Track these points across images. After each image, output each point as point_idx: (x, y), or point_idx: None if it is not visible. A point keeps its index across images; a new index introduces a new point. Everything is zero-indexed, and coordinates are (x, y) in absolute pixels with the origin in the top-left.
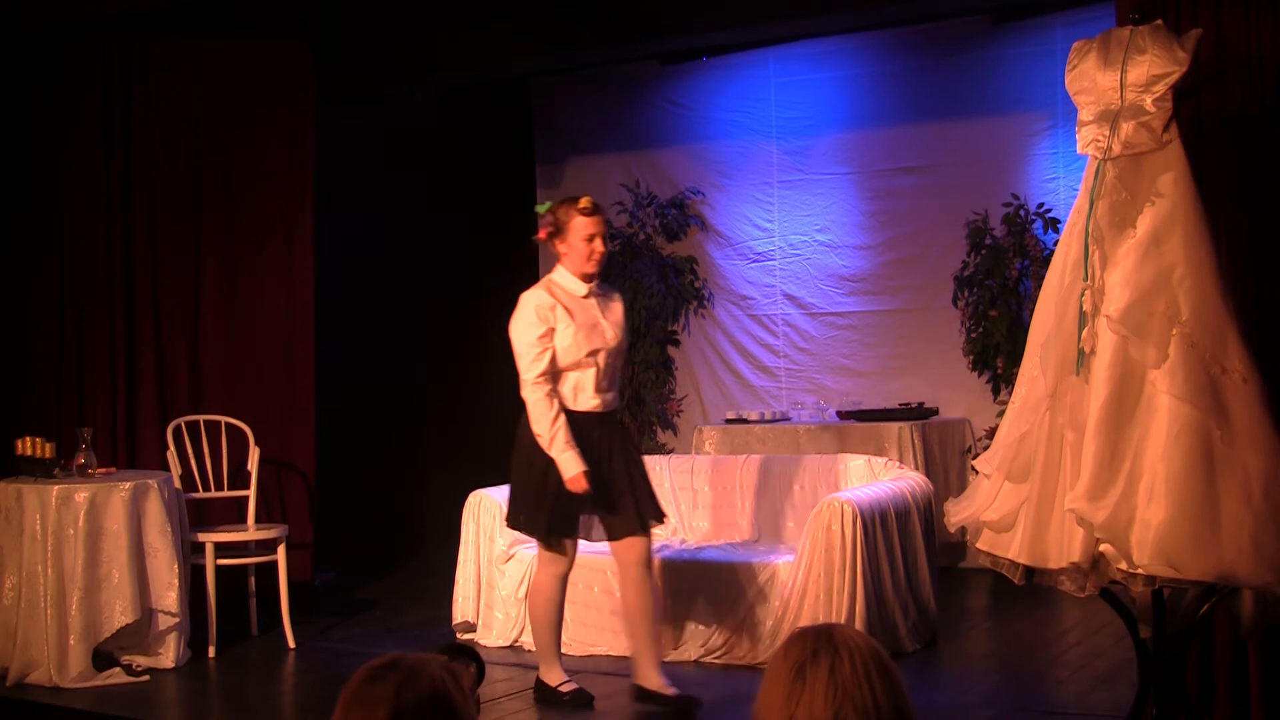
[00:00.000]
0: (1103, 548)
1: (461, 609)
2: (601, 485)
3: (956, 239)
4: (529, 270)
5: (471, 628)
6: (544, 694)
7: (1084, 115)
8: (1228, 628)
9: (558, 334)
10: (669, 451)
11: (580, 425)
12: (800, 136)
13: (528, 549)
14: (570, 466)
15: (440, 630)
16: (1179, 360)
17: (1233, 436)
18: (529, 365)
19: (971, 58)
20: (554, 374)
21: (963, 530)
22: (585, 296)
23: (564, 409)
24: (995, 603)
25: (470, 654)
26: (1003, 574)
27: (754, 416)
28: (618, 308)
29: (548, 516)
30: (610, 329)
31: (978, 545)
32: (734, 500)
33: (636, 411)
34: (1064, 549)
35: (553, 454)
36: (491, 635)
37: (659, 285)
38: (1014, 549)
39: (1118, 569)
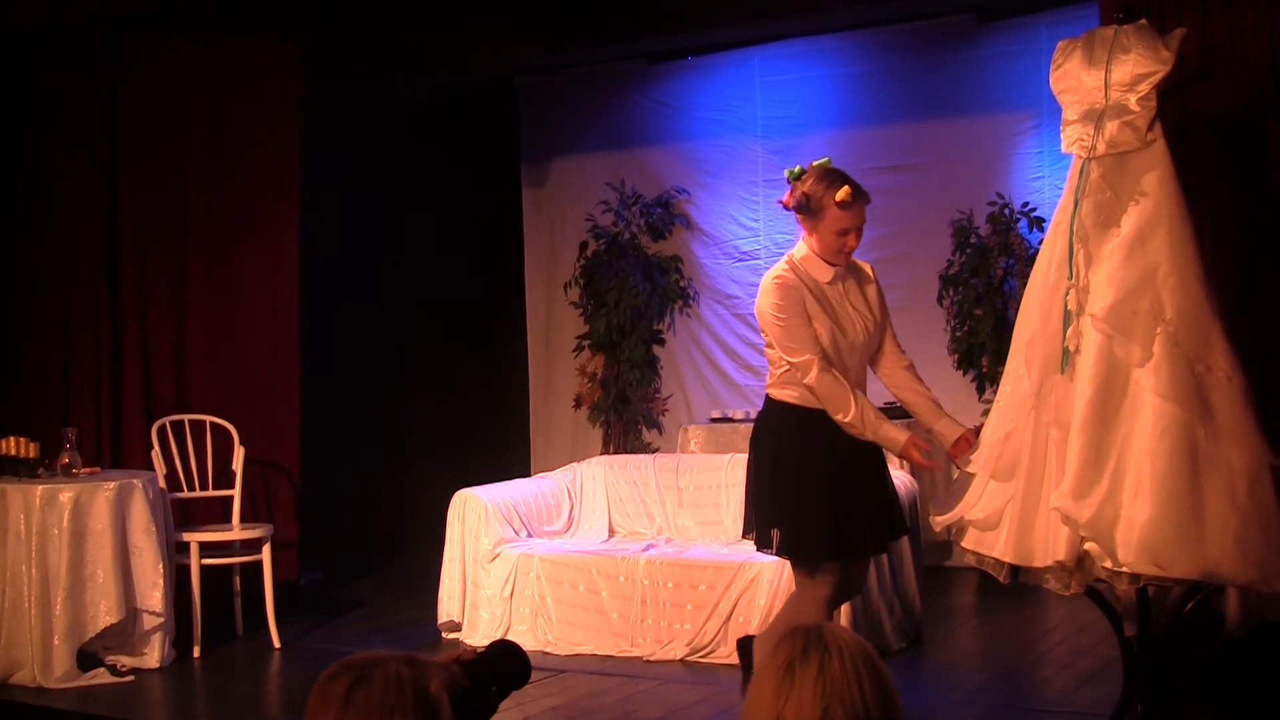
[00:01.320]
0: (1088, 546)
1: (447, 608)
2: (859, 493)
3: (941, 238)
4: (515, 269)
5: (457, 627)
6: None
7: (1069, 114)
8: (1213, 626)
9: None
10: (654, 450)
11: (821, 418)
12: (785, 135)
13: (513, 548)
14: (895, 436)
15: (426, 630)
16: (1163, 358)
17: (1217, 435)
18: (798, 349)
19: (957, 57)
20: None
21: (949, 529)
22: (831, 282)
23: (807, 409)
24: (981, 601)
25: (508, 655)
26: (988, 572)
27: (739, 415)
28: (869, 289)
29: (830, 533)
30: (859, 319)
31: (963, 544)
32: (719, 499)
33: (622, 410)
34: (1049, 547)
35: (870, 436)
36: (477, 635)
37: (644, 284)
38: (999, 547)
39: (1103, 567)
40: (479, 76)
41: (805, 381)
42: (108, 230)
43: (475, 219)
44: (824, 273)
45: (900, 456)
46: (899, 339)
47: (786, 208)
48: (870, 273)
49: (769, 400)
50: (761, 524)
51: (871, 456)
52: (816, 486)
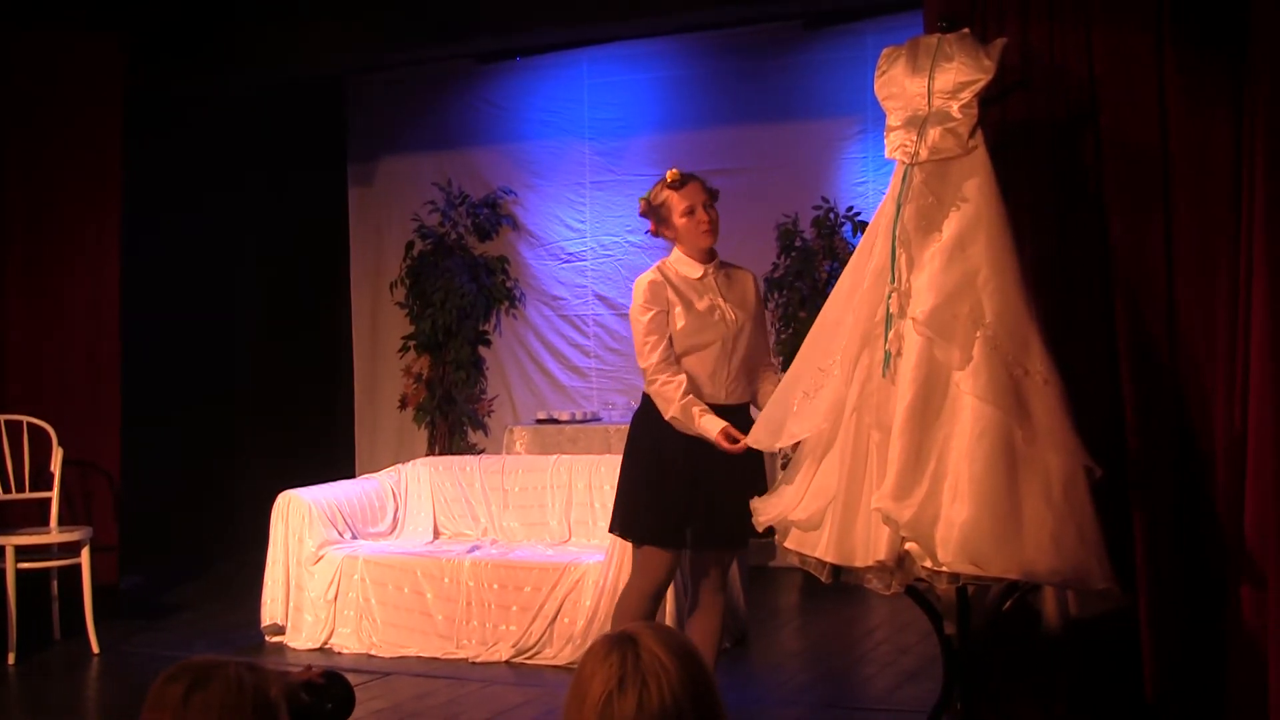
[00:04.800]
0: (908, 546)
1: (270, 611)
2: (706, 489)
3: (767, 241)
4: (341, 269)
5: (280, 630)
6: None
7: (892, 120)
8: (1030, 623)
9: (672, 318)
10: (479, 451)
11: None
12: (613, 137)
13: (337, 550)
14: (710, 427)
15: (249, 633)
16: (982, 362)
17: (1034, 436)
18: (645, 353)
19: (784, 62)
20: (676, 359)
21: (771, 529)
22: (702, 278)
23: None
24: (804, 601)
25: (332, 684)
26: (811, 572)
27: (565, 417)
28: (745, 287)
29: (652, 519)
30: (730, 311)
31: (786, 544)
32: (545, 501)
33: (447, 411)
34: (870, 547)
35: (694, 430)
36: (300, 638)
37: (470, 285)
38: (821, 548)
39: (923, 566)
40: (307, 74)
41: (646, 387)
42: None
43: (302, 218)
44: (694, 270)
45: (716, 446)
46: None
47: (652, 233)
48: (751, 278)
49: (643, 394)
50: (615, 502)
51: (739, 459)
52: (660, 472)
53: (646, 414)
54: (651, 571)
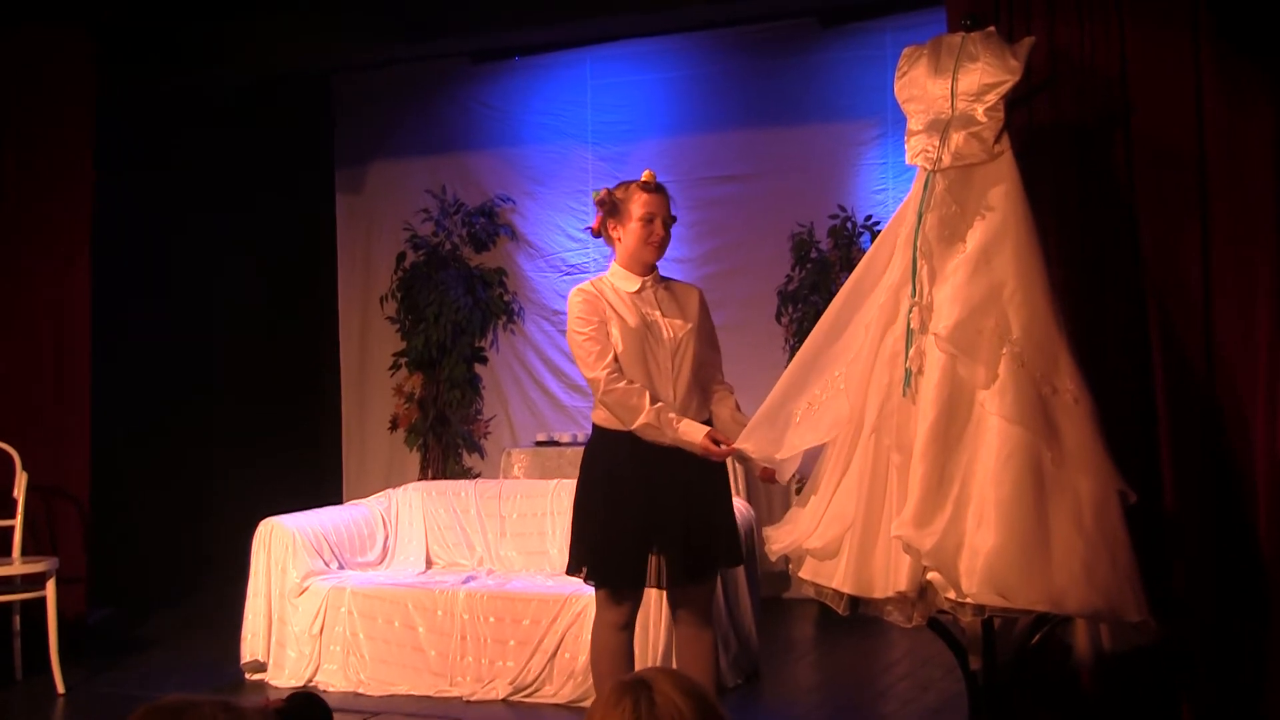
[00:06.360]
0: (930, 576)
1: (251, 647)
2: (664, 520)
3: (780, 252)
4: (328, 282)
5: (262, 667)
6: None
7: (913, 124)
8: (1060, 658)
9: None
10: (475, 476)
11: (636, 444)
12: (617, 142)
13: (323, 581)
14: (693, 434)
15: (228, 671)
16: (1009, 380)
17: (1064, 459)
18: (591, 364)
19: (798, 62)
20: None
21: (785, 559)
22: (638, 291)
23: (615, 431)
24: (820, 634)
25: (311, 704)
26: (827, 604)
27: (566, 439)
28: (688, 302)
29: (606, 559)
30: (669, 327)
31: (800, 574)
32: (544, 528)
33: (441, 433)
34: (890, 577)
35: (669, 438)
36: (284, 675)
37: (466, 298)
38: (838, 578)
39: (946, 598)
40: (291, 73)
41: (599, 399)
42: None
43: (286, 227)
44: (630, 283)
45: (703, 455)
46: (736, 360)
47: (594, 233)
48: (697, 292)
49: (592, 424)
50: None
51: (700, 485)
52: (613, 508)
53: (598, 442)
54: (615, 606)
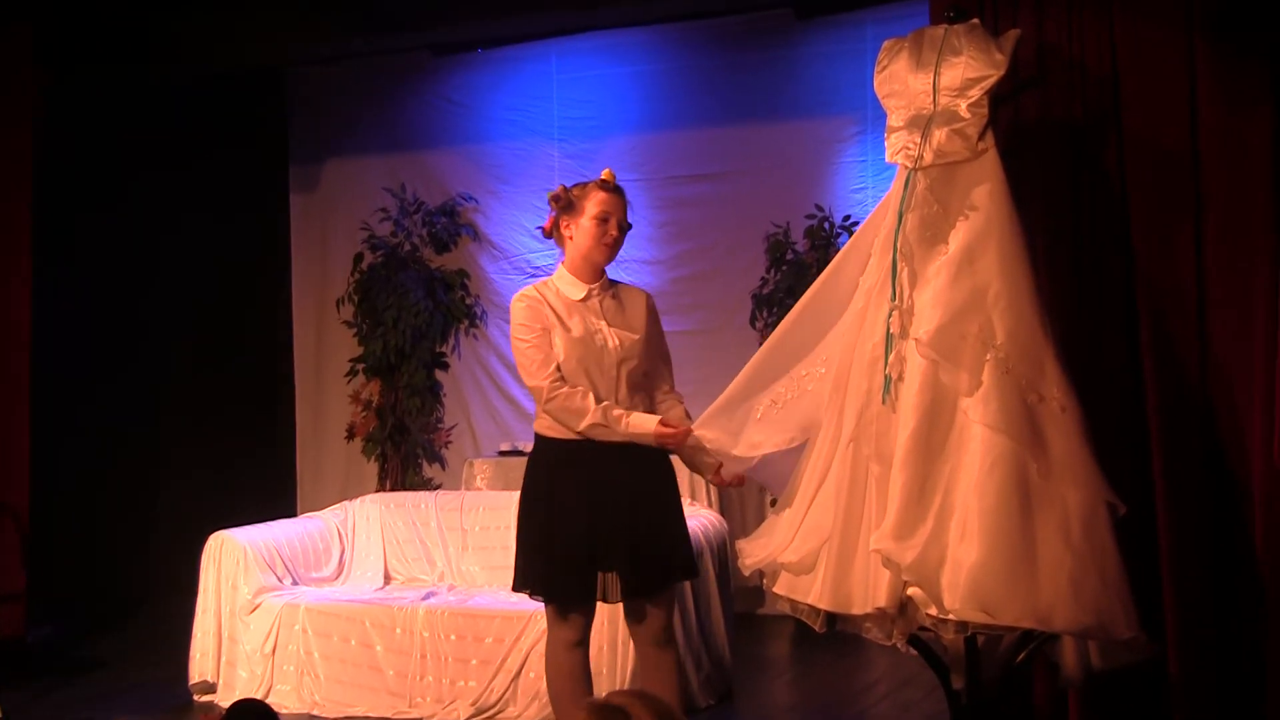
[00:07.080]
0: (911, 591)
1: (200, 667)
2: (611, 532)
3: (755, 253)
4: (282, 284)
5: (211, 688)
6: None
7: (894, 120)
8: (1046, 676)
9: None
10: (436, 487)
11: (579, 453)
12: (584, 139)
13: (276, 598)
14: (644, 427)
15: (175, 692)
16: (993, 387)
17: (1050, 469)
18: (534, 371)
19: (773, 55)
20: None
21: (759, 573)
22: (584, 299)
23: (560, 440)
24: (796, 652)
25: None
26: (803, 620)
27: (530, 448)
28: (636, 309)
29: (551, 573)
30: (614, 336)
31: (775, 589)
32: (508, 541)
33: (400, 442)
34: (869, 593)
35: (620, 435)
36: (234, 696)
37: (426, 301)
38: (815, 593)
39: (927, 614)
40: (243, 67)
41: (542, 406)
42: None
43: (238, 228)
44: (576, 290)
45: (657, 444)
46: (708, 365)
47: (546, 233)
48: (645, 298)
49: (535, 434)
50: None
51: (649, 495)
52: (556, 522)
53: (542, 453)
54: (563, 622)
